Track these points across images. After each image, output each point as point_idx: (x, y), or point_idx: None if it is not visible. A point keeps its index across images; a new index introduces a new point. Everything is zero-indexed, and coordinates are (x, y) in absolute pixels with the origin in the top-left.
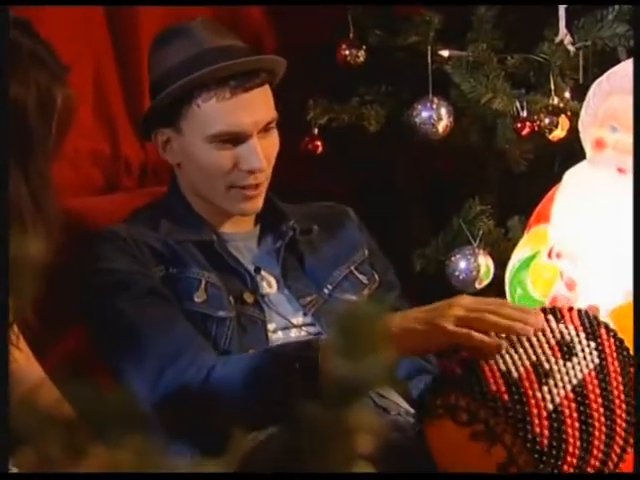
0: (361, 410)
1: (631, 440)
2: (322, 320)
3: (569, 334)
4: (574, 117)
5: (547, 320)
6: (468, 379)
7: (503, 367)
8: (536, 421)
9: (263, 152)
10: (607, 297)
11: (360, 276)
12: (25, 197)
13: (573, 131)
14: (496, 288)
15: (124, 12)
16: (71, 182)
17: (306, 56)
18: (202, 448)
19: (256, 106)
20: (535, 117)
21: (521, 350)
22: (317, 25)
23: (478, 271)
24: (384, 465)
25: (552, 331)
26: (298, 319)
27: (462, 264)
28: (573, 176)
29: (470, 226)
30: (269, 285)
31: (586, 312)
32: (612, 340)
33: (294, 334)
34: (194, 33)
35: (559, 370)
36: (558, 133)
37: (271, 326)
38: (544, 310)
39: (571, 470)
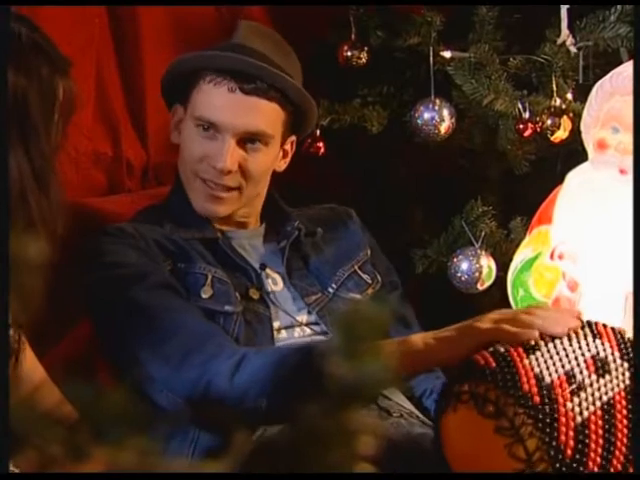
0: (363, 411)
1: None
2: (326, 319)
3: (604, 351)
4: (576, 118)
5: (584, 334)
6: (501, 373)
7: (537, 370)
8: (563, 429)
9: (241, 161)
10: (609, 298)
11: (364, 276)
12: (28, 176)
13: (575, 132)
14: (498, 289)
15: (125, 14)
16: (73, 183)
17: (308, 57)
18: (220, 435)
19: (245, 110)
20: (537, 118)
21: (556, 357)
22: (319, 26)
23: (480, 272)
24: (386, 467)
25: (588, 345)
26: (302, 317)
27: (464, 265)
28: (575, 177)
29: (472, 227)
30: (274, 283)
31: (620, 331)
32: None
33: (297, 333)
34: (238, 30)
35: (591, 384)
36: (560, 134)
37: (275, 324)
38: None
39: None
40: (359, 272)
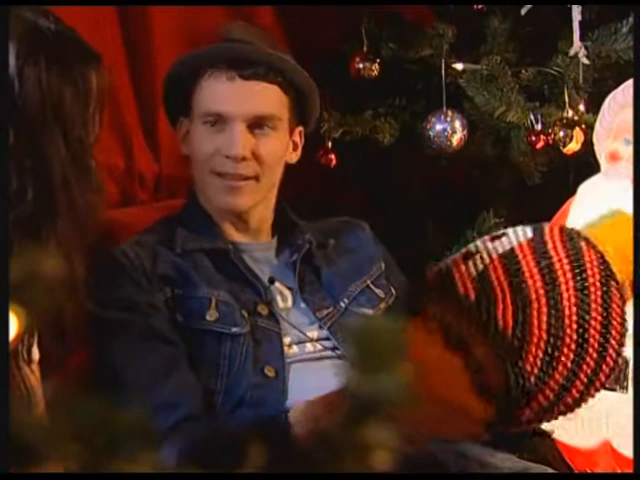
0: (377, 425)
1: (609, 359)
2: (338, 334)
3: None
4: (588, 130)
5: None
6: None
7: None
8: (460, 284)
9: (253, 148)
10: None
11: (377, 290)
12: (68, 163)
13: (587, 144)
14: None
15: (137, 24)
16: None
17: (319, 69)
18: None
19: (248, 96)
20: (549, 130)
21: None
22: (330, 38)
23: None
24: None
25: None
26: (314, 333)
27: None
28: (588, 189)
29: None
30: (284, 298)
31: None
32: (592, 252)
33: (309, 348)
34: (229, 31)
35: (485, 248)
36: (572, 146)
37: (286, 340)
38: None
39: (535, 370)
40: (372, 287)
